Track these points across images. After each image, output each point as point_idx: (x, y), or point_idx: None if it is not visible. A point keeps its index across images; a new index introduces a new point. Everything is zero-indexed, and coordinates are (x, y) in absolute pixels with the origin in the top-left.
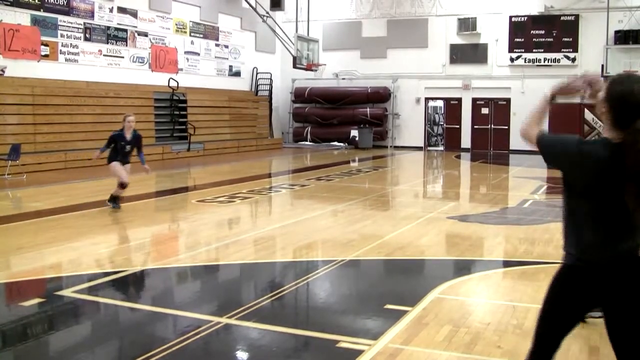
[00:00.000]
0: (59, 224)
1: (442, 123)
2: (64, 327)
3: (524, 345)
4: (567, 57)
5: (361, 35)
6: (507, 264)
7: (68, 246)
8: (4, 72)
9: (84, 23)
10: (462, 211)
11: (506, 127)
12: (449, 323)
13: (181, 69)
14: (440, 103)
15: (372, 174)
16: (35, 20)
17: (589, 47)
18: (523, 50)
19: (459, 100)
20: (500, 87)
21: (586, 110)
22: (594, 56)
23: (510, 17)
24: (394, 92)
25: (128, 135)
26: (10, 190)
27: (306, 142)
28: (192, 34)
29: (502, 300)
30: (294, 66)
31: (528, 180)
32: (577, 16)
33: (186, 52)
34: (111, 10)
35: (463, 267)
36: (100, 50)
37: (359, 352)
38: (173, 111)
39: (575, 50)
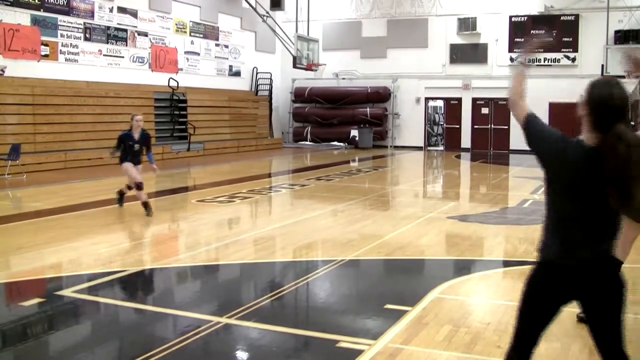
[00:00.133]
0: (58, 223)
1: (442, 123)
2: (64, 327)
3: None
4: (567, 57)
5: (361, 35)
6: (507, 263)
7: (68, 246)
8: (4, 72)
9: (84, 23)
10: (462, 211)
11: (506, 127)
12: (449, 323)
13: (181, 69)
14: (440, 103)
15: (372, 173)
16: (35, 20)
17: (589, 47)
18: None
19: (459, 100)
20: (500, 87)
21: None
22: (594, 56)
23: (510, 17)
24: (394, 92)
25: (136, 135)
26: (10, 190)
27: (306, 142)
28: (192, 34)
29: (502, 300)
30: (294, 66)
31: (528, 180)
32: (577, 16)
33: (186, 52)
34: (111, 10)
35: (463, 267)
36: (100, 50)
37: (359, 352)
38: (173, 111)
39: (575, 50)
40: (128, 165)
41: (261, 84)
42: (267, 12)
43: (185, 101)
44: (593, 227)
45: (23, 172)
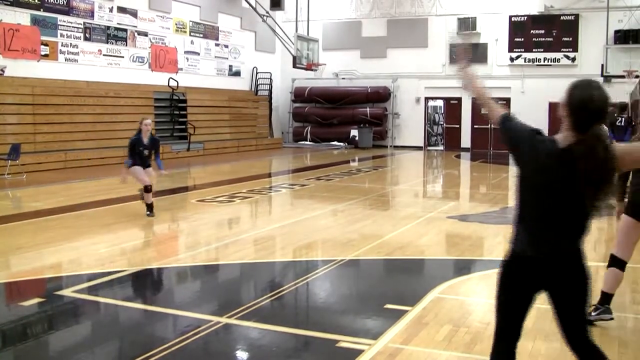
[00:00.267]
0: (58, 223)
1: (442, 123)
2: (64, 327)
3: (523, 344)
4: (567, 57)
5: (361, 35)
6: None
7: (68, 246)
8: (4, 72)
9: (84, 23)
10: (462, 211)
11: None
12: (449, 323)
13: (181, 69)
14: (440, 103)
15: (372, 173)
16: (35, 20)
17: (588, 47)
18: (523, 50)
19: (459, 100)
20: (500, 86)
21: None
22: (594, 56)
23: (510, 17)
24: (394, 91)
25: (145, 139)
26: (10, 190)
27: (306, 142)
28: (192, 34)
29: None
30: (294, 66)
31: None
32: (577, 16)
33: (186, 52)
34: (111, 10)
35: (463, 267)
36: (100, 50)
37: (359, 352)
38: (173, 111)
39: (575, 50)
40: (137, 169)
41: (261, 84)
42: (267, 12)
43: (185, 101)
44: (562, 224)
45: (23, 172)
